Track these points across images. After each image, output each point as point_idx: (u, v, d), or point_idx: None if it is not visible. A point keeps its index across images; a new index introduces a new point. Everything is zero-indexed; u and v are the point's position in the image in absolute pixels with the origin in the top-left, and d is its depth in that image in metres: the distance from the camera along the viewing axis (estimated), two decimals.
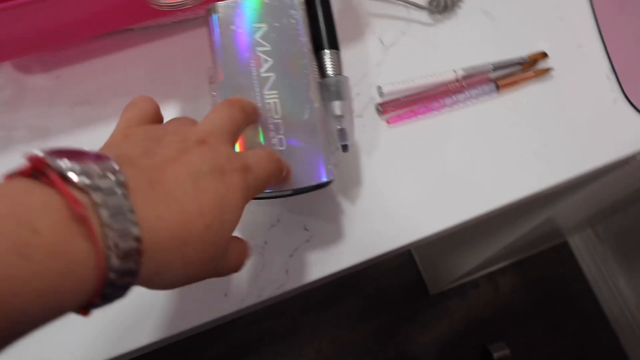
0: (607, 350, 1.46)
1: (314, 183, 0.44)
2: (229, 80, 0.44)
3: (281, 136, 0.43)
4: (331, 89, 0.47)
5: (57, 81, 0.52)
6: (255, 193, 0.34)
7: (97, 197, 0.24)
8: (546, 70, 0.58)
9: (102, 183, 0.25)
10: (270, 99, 0.44)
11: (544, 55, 0.59)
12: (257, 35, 0.45)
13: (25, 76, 0.52)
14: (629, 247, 1.38)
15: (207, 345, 1.29)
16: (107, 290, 0.25)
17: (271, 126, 0.44)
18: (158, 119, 0.38)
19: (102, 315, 0.44)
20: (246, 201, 0.33)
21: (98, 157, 0.26)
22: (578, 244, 1.51)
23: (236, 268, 0.35)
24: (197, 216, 0.29)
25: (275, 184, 0.38)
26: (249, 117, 0.39)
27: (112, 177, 0.26)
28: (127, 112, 0.36)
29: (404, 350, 1.36)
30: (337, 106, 0.47)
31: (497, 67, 0.57)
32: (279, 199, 0.49)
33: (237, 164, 0.32)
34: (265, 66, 0.45)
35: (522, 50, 0.59)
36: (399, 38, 0.58)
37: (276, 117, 0.44)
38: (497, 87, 0.56)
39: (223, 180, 0.31)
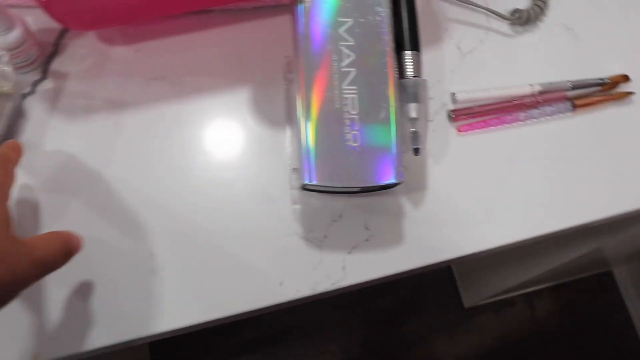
0: None
1: (383, 183, 0.43)
2: (308, 71, 0.44)
3: (356, 132, 0.43)
4: (409, 91, 0.47)
5: (136, 54, 0.53)
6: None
7: None
8: (627, 94, 0.56)
9: None
10: (348, 94, 0.44)
11: (626, 78, 0.57)
12: (342, 29, 0.45)
13: (107, 47, 0.54)
14: None
15: (236, 331, 1.31)
16: None
17: (347, 121, 0.44)
18: None
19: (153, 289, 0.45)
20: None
21: None
22: (624, 275, 1.47)
23: (53, 259, 0.36)
24: None
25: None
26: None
27: None
28: None
29: None
30: (413, 108, 0.47)
31: (576, 85, 0.56)
32: (343, 194, 0.49)
33: None
34: (347, 61, 0.45)
35: (602, 71, 0.58)
36: (477, 46, 0.57)
37: (353, 113, 0.44)
38: (574, 107, 0.55)
39: None
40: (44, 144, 0.49)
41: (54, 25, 0.52)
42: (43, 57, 0.52)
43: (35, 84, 0.52)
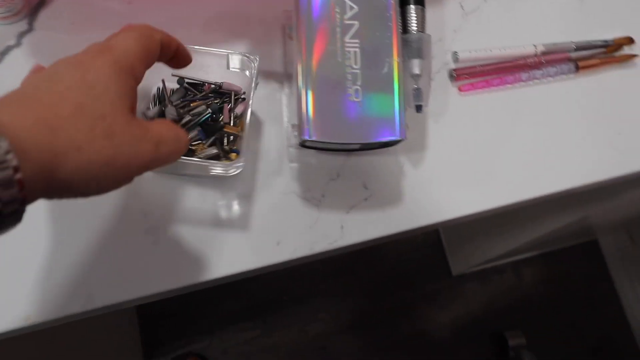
0: (623, 354, 1.44)
1: (384, 140, 0.42)
2: (309, 23, 0.43)
3: (358, 87, 0.42)
4: (413, 46, 0.46)
5: (129, 7, 0.51)
6: (133, 63, 0.33)
7: None
8: (631, 57, 0.55)
9: None
10: (350, 47, 0.43)
11: (631, 40, 0.56)
12: None
13: None
14: None
15: (227, 298, 1.30)
16: None
17: (348, 76, 0.42)
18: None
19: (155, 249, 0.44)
20: (125, 71, 0.32)
21: None
22: (610, 245, 1.48)
23: (170, 151, 0.34)
24: (59, 100, 0.29)
25: (156, 47, 0.35)
26: (151, 43, 0.35)
27: None
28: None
29: (420, 328, 1.36)
30: (416, 64, 0.45)
31: (580, 47, 0.55)
32: (342, 152, 0.48)
33: (94, 53, 0.32)
34: (350, 13, 0.43)
35: (607, 33, 0.57)
36: (480, 5, 0.56)
37: (355, 67, 0.42)
38: (577, 68, 0.54)
39: (81, 66, 0.31)
40: None
41: None
42: (29, 7, 0.50)
43: (21, 35, 0.50)
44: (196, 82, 0.47)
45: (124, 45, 0.33)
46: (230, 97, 0.46)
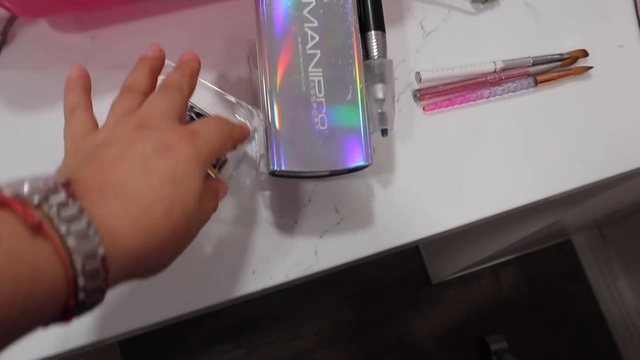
0: (603, 350, 1.47)
1: (352, 165, 0.43)
2: (273, 54, 0.43)
3: (323, 115, 0.43)
4: (375, 71, 0.47)
5: (92, 42, 0.51)
6: (210, 156, 0.34)
7: (48, 209, 0.25)
8: (586, 69, 0.57)
9: (54, 199, 0.25)
10: (314, 76, 0.43)
11: (585, 53, 0.58)
12: (305, 11, 0.44)
13: (60, 35, 0.51)
14: (634, 250, 1.39)
15: (207, 319, 1.30)
16: (81, 295, 0.25)
17: (314, 105, 0.43)
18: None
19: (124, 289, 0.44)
20: (204, 165, 0.33)
21: (46, 180, 0.26)
22: (582, 242, 1.52)
23: (214, 207, 0.36)
24: (154, 201, 0.29)
25: (230, 144, 0.37)
26: (186, 95, 0.38)
27: (62, 193, 0.26)
28: (68, 127, 0.36)
29: (402, 337, 1.37)
30: (379, 89, 0.46)
31: (537, 61, 0.56)
32: (312, 178, 0.49)
33: (181, 134, 0.32)
34: (311, 43, 0.44)
35: (562, 46, 0.58)
36: (440, 25, 0.57)
37: (319, 95, 0.43)
38: (536, 82, 0.55)
39: (170, 155, 0.31)
40: None
41: (1, 13, 0.50)
42: None
43: None
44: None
45: (206, 135, 0.34)
46: None
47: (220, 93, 0.44)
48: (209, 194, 0.35)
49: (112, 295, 0.43)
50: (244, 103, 0.44)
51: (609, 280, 1.46)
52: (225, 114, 0.47)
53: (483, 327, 1.41)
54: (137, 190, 0.29)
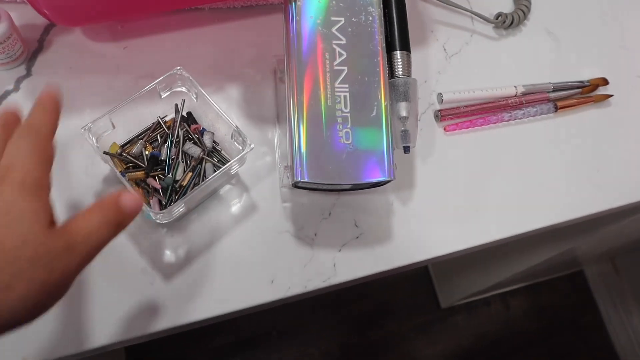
0: None
1: (374, 180, 0.44)
2: (300, 69, 0.45)
3: (348, 130, 0.44)
4: (399, 90, 0.48)
5: (124, 52, 0.53)
6: (39, 175, 0.31)
7: None
8: (606, 97, 0.58)
9: None
10: (340, 92, 0.44)
11: (605, 81, 0.58)
12: (334, 28, 0.45)
13: (94, 44, 0.53)
14: None
15: (215, 334, 1.29)
16: None
17: (339, 119, 0.44)
18: None
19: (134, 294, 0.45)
20: (36, 189, 0.31)
21: None
22: (594, 274, 1.51)
23: (98, 239, 0.32)
24: None
25: (48, 157, 0.33)
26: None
27: None
28: None
29: None
30: (403, 107, 0.47)
31: (557, 88, 0.57)
32: (333, 192, 0.49)
33: None
34: (339, 59, 0.45)
35: (581, 73, 0.59)
36: (462, 48, 0.58)
37: (345, 110, 0.44)
38: (556, 108, 0.56)
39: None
40: None
41: (40, 20, 0.52)
42: (27, 53, 0.52)
43: (20, 81, 0.51)
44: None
45: (20, 163, 0.31)
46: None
47: (221, 115, 0.45)
48: (87, 227, 0.32)
49: (129, 299, 0.44)
50: (241, 131, 0.45)
51: (621, 313, 1.44)
52: (224, 132, 0.48)
53: (491, 355, 1.40)
54: None
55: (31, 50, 0.52)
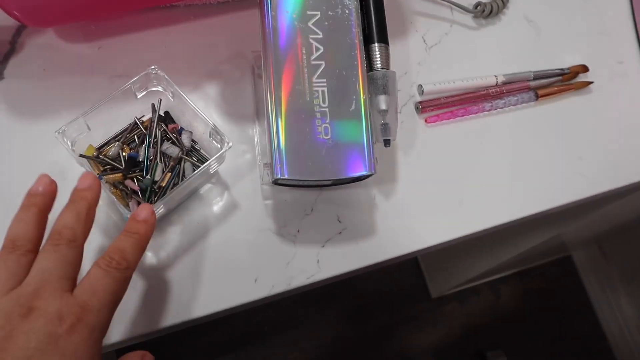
0: None
1: (355, 175, 0.43)
2: (277, 65, 0.44)
3: (327, 125, 0.43)
4: (378, 83, 0.47)
5: (99, 52, 0.52)
6: (105, 322, 0.33)
7: None
8: (586, 84, 0.58)
9: None
10: (318, 87, 0.44)
11: (585, 68, 0.58)
12: (311, 22, 0.45)
13: (67, 44, 0.52)
14: (634, 266, 1.38)
15: (206, 332, 1.29)
16: None
17: (317, 115, 0.43)
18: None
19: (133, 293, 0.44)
20: (101, 336, 0.32)
21: None
22: (582, 259, 1.52)
23: None
24: None
25: (121, 295, 0.35)
26: (80, 244, 0.35)
27: None
28: None
29: (402, 352, 1.37)
30: (382, 100, 0.47)
31: (538, 76, 0.57)
32: (314, 187, 0.49)
33: (71, 319, 0.31)
34: (316, 54, 0.45)
35: (562, 61, 0.59)
36: (442, 39, 0.58)
37: (323, 105, 0.44)
38: (537, 96, 0.56)
39: (57, 348, 0.29)
40: (1, 148, 0.48)
41: (11, 22, 0.50)
42: None
43: None
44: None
45: (98, 302, 0.32)
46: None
47: (199, 114, 0.45)
48: None
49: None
50: (219, 129, 0.44)
51: (609, 296, 1.46)
52: (202, 131, 0.48)
53: (483, 342, 1.41)
54: None
55: (3, 53, 0.51)
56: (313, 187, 0.49)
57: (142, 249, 0.36)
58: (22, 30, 0.52)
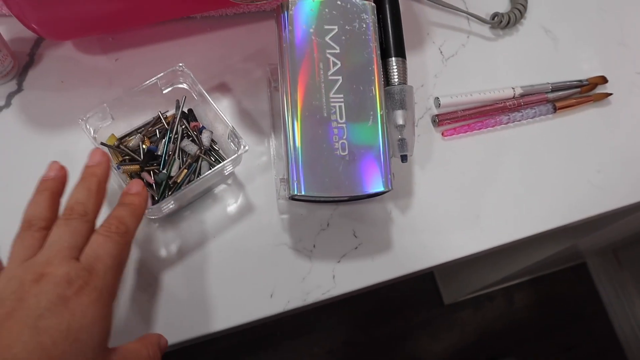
0: None
1: (372, 191, 0.43)
2: (294, 79, 0.44)
3: (344, 141, 0.43)
4: (395, 98, 0.47)
5: (116, 64, 0.52)
6: (111, 285, 0.34)
7: None
8: (605, 95, 0.57)
9: None
10: (335, 102, 0.44)
11: (604, 79, 0.58)
12: (328, 37, 0.45)
13: (85, 56, 0.52)
14: None
15: (218, 338, 1.29)
16: None
17: (335, 130, 0.43)
18: None
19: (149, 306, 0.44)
20: (109, 299, 0.33)
21: None
22: (597, 265, 1.50)
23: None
24: None
25: (124, 260, 0.36)
26: (91, 219, 0.36)
27: None
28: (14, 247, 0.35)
29: (414, 358, 1.36)
30: (400, 115, 0.47)
31: (556, 88, 0.56)
32: (330, 203, 0.49)
33: (79, 282, 0.32)
34: (333, 69, 0.44)
35: (580, 72, 0.59)
36: (459, 50, 0.58)
37: (341, 121, 0.43)
38: (555, 109, 0.55)
39: (67, 309, 0.30)
40: (21, 159, 0.48)
41: (29, 34, 0.51)
42: (18, 67, 0.51)
43: (11, 96, 0.50)
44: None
45: (104, 265, 0.33)
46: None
47: (219, 115, 0.45)
48: (138, 350, 0.35)
49: (124, 313, 0.44)
50: (237, 132, 0.44)
51: (624, 303, 1.44)
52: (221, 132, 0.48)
53: (496, 349, 1.40)
54: (25, 352, 0.28)
55: (22, 65, 0.51)
56: (329, 202, 0.49)
57: (138, 217, 0.38)
58: (41, 42, 0.52)
